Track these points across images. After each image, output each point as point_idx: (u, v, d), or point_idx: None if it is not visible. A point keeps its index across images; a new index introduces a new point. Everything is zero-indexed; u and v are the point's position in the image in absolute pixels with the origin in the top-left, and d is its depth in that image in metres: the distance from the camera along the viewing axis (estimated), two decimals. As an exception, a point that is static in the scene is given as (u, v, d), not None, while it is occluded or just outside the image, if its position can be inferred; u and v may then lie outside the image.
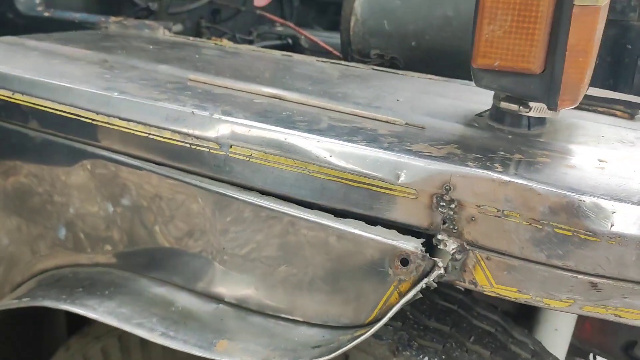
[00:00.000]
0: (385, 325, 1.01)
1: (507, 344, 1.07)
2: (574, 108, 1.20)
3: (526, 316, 1.70)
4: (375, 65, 1.57)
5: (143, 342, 1.17)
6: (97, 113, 1.04)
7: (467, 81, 1.42)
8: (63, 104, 1.07)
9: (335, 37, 2.04)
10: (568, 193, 0.75)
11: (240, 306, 0.97)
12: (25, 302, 1.07)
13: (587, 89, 1.01)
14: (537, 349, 1.11)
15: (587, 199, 0.74)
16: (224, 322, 0.95)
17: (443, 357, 0.98)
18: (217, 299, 0.99)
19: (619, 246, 0.74)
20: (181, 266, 1.03)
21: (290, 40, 2.45)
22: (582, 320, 1.73)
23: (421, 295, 0.82)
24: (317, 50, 2.20)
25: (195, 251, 1.01)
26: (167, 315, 0.97)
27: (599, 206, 0.74)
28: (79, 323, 1.31)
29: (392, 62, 1.59)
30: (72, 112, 1.07)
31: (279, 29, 2.56)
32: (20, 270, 1.25)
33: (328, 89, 1.20)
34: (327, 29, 2.89)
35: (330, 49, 2.10)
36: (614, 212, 0.74)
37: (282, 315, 0.94)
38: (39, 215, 1.18)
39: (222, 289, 0.99)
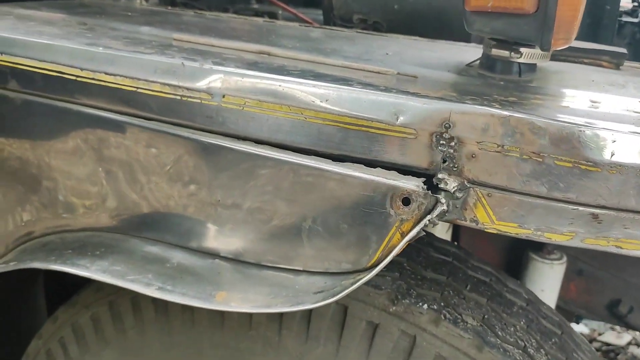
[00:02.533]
0: (383, 275, 1.01)
1: (502, 292, 1.08)
2: (561, 60, 1.22)
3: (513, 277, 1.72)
4: (359, 29, 1.56)
5: (135, 307, 1.14)
6: (82, 69, 1.01)
7: (451, 41, 1.42)
8: (44, 61, 1.04)
9: (313, 13, 2.03)
10: (568, 124, 0.75)
11: (237, 260, 0.95)
12: (13, 266, 1.03)
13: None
14: (531, 298, 1.12)
15: (587, 130, 0.75)
16: (222, 275, 0.93)
17: (442, 304, 0.98)
18: (213, 255, 0.97)
19: (620, 175, 0.75)
20: (174, 224, 1.01)
21: (267, 17, 2.42)
22: (567, 282, 1.76)
23: (424, 233, 0.81)
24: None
25: (188, 207, 0.98)
26: (162, 271, 0.95)
27: (599, 136, 0.74)
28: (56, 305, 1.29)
29: (375, 27, 1.58)
30: (54, 69, 1.03)
31: (255, 6, 2.52)
32: (1, 240, 1.21)
33: (316, 46, 1.18)
34: (305, 6, 2.86)
35: (311, 21, 2.08)
36: (614, 142, 0.74)
37: (281, 266, 0.92)
38: (21, 181, 1.14)
39: (218, 244, 0.97)
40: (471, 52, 1.19)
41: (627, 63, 1.27)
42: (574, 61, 1.20)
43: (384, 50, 1.19)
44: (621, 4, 2.52)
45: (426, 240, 1.16)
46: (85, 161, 1.05)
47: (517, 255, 1.74)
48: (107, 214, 1.07)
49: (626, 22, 2.43)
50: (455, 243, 1.20)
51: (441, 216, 0.82)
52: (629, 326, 1.74)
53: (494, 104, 0.82)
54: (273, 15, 2.43)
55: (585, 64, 1.19)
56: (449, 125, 0.80)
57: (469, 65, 1.08)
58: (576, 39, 1.56)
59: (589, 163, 0.75)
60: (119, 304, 1.15)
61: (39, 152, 1.10)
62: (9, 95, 1.09)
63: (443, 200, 0.79)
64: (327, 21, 1.70)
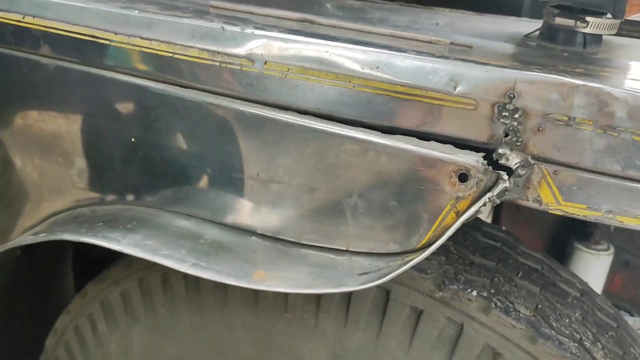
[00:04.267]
0: (429, 259, 0.95)
1: (555, 281, 1.01)
2: (624, 36, 1.13)
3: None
4: (403, 2, 1.49)
5: (165, 284, 1.10)
6: (116, 33, 0.96)
7: (502, 15, 1.35)
8: (77, 24, 0.99)
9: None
10: (650, 95, 0.68)
11: (275, 237, 0.90)
12: (42, 237, 1.00)
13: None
14: (585, 288, 1.05)
15: (672, 101, 0.67)
16: (259, 253, 0.88)
17: (492, 291, 0.92)
18: (250, 232, 0.92)
19: None
20: (209, 198, 0.96)
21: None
22: (612, 274, 1.68)
23: (482, 212, 0.75)
24: None
25: (224, 180, 0.93)
26: (196, 247, 0.90)
27: (685, 109, 0.67)
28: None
29: (418, 1, 1.51)
30: (87, 33, 0.98)
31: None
32: (30, 213, 1.17)
33: (362, 15, 1.12)
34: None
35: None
36: (703, 116, 0.67)
37: (323, 245, 0.87)
38: (51, 152, 1.10)
39: (255, 221, 0.92)
40: (527, 25, 1.12)
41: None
42: (637, 36, 1.11)
43: (433, 21, 1.12)
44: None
45: (473, 223, 1.09)
46: (119, 130, 1.01)
47: (560, 243, 1.66)
48: (140, 187, 1.03)
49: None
50: (503, 228, 1.12)
51: (501, 194, 0.75)
52: (677, 323, 1.65)
53: (562, 73, 0.74)
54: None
55: (650, 39, 1.11)
56: (514, 96, 0.73)
57: (527, 36, 1.00)
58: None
59: (672, 139, 0.68)
60: (149, 280, 1.10)
61: (72, 122, 1.06)
62: (41, 61, 1.05)
63: (505, 177, 0.73)
64: (367, -5, 1.63)
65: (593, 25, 0.90)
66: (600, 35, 0.95)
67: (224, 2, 1.13)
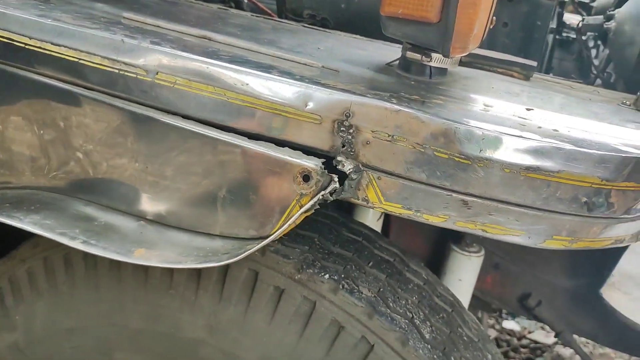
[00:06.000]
0: (293, 247, 1.12)
1: (402, 271, 1.20)
2: (477, 67, 1.34)
3: (434, 268, 1.86)
4: (307, 24, 1.66)
5: (67, 263, 1.23)
6: (30, 38, 1.09)
7: (388, 42, 1.53)
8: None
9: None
10: (447, 121, 0.87)
11: (160, 222, 1.05)
12: (-49, 215, 1.11)
13: (488, 49, 1.14)
14: (430, 279, 1.25)
15: (462, 127, 0.87)
16: (144, 234, 1.03)
17: (342, 275, 1.10)
18: (139, 217, 1.07)
19: (487, 169, 0.87)
20: (106, 187, 1.10)
21: (233, 4, 2.50)
22: (484, 274, 1.90)
23: (318, 207, 0.92)
24: (257, 12, 2.27)
25: (119, 172, 1.08)
26: (89, 228, 1.04)
27: (471, 133, 0.86)
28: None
29: (323, 22, 1.69)
30: (5, 36, 1.11)
31: (222, -7, 2.60)
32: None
33: (256, 36, 1.28)
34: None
35: (269, 11, 2.18)
36: (483, 139, 0.86)
37: (198, 230, 1.03)
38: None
39: (144, 208, 1.07)
40: (399, 54, 1.31)
41: (538, 75, 1.40)
42: (488, 69, 1.32)
43: (318, 44, 1.30)
44: (570, 22, 2.69)
45: (341, 220, 1.28)
46: (29, 124, 1.14)
47: (441, 247, 1.88)
48: (47, 175, 1.16)
49: (574, 38, 2.59)
50: (369, 226, 1.31)
51: (337, 194, 0.93)
52: (536, 318, 1.89)
53: (393, 100, 0.93)
54: (239, 5, 2.52)
55: (498, 73, 1.32)
56: (349, 115, 0.91)
57: (388, 64, 1.19)
58: (509, 51, 1.70)
59: (461, 156, 0.87)
60: (52, 260, 1.23)
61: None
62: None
63: (336, 179, 0.91)
64: (279, 14, 1.80)
65: (436, 60, 1.09)
66: (445, 68, 1.14)
67: (136, 15, 1.28)
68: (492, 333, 3.30)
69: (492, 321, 3.45)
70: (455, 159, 0.87)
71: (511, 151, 0.87)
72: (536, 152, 0.87)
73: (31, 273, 1.27)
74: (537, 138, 0.88)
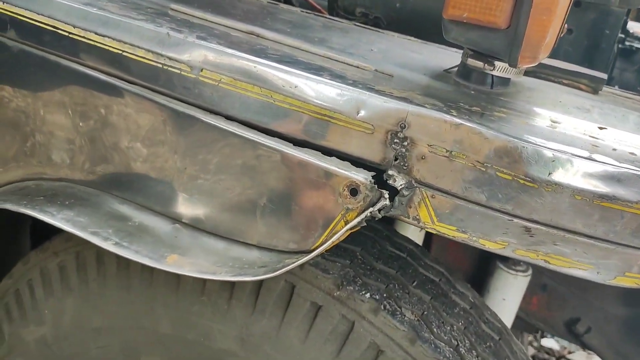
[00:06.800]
0: (334, 261, 1.05)
1: (448, 293, 1.12)
2: (542, 78, 1.24)
3: (477, 285, 1.76)
4: (359, 23, 1.59)
5: (99, 260, 1.20)
6: (74, 26, 1.05)
7: (445, 46, 1.45)
8: (42, 14, 1.08)
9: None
10: (513, 139, 0.79)
11: (195, 227, 1.00)
12: (-14, 205, 1.09)
13: (550, 57, 1.05)
14: (477, 302, 1.16)
15: (530, 146, 0.78)
16: (178, 239, 0.98)
17: (384, 295, 1.03)
18: (175, 219, 1.02)
19: (555, 194, 0.78)
20: (143, 185, 1.05)
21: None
22: (530, 294, 1.80)
23: (365, 224, 0.85)
24: (307, 9, 2.21)
25: (157, 171, 1.03)
26: (123, 228, 1.00)
27: (539, 154, 0.78)
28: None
29: (375, 22, 1.61)
30: (49, 23, 1.07)
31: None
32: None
33: (306, 34, 1.22)
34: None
35: (320, 8, 2.11)
36: (553, 161, 0.78)
37: (235, 238, 0.97)
38: (10, 126, 1.19)
39: (180, 210, 1.02)
40: (457, 59, 1.22)
41: (607, 89, 1.30)
42: (553, 80, 1.22)
43: (371, 46, 1.23)
44: (633, 30, 2.54)
45: (386, 234, 1.20)
46: (68, 115, 1.10)
47: (486, 264, 1.78)
48: (84, 168, 1.12)
49: (637, 48, 2.44)
50: (414, 241, 1.23)
51: (386, 210, 0.86)
52: (584, 345, 1.78)
53: (452, 111, 0.85)
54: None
55: (564, 84, 1.22)
56: (405, 126, 0.84)
57: (446, 71, 1.11)
58: (573, 60, 1.59)
59: (527, 178, 0.79)
60: (85, 255, 1.20)
61: (29, 101, 1.15)
62: (7, 43, 1.14)
63: (386, 196, 0.84)
64: (330, 11, 1.73)
65: (499, 69, 1.01)
66: (508, 78, 1.06)
67: (184, 7, 1.23)
68: (530, 351, 3.17)
69: (530, 338, 3.32)
70: (520, 181, 0.79)
71: (584, 176, 0.78)
72: (612, 178, 0.78)
73: (63, 267, 1.24)
74: (613, 163, 0.79)
